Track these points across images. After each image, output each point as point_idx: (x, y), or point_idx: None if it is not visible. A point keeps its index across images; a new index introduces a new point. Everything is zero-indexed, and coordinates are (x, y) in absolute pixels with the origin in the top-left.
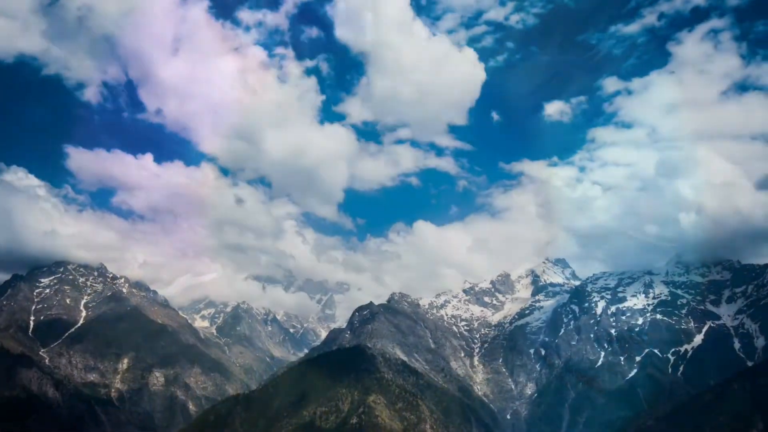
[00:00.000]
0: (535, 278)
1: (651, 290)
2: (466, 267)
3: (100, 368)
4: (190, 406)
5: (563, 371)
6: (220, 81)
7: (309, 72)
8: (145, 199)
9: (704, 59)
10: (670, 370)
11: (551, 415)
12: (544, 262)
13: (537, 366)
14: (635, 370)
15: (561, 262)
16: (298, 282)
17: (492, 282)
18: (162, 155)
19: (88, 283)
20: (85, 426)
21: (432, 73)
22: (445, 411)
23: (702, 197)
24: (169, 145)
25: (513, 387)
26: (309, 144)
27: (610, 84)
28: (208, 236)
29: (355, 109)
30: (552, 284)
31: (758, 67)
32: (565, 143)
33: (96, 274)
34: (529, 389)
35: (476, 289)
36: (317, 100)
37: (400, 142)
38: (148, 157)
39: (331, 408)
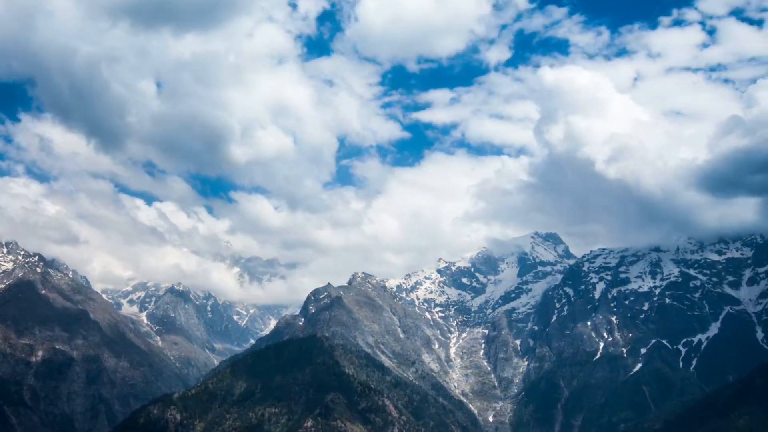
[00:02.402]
0: (521, 256)
1: (659, 270)
2: None
3: (9, 362)
4: (116, 407)
5: (555, 365)
6: None
7: None
8: None
9: None
10: (681, 363)
11: (541, 416)
12: (532, 237)
13: (524, 359)
14: (640, 364)
15: (552, 237)
16: (242, 261)
17: (471, 260)
18: None
19: None
20: None
21: None
22: (416, 412)
23: None
24: None
25: (496, 384)
26: None
27: None
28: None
29: None
30: (542, 263)
31: None
32: None
33: (5, 251)
34: (516, 386)
35: (453, 268)
36: None
37: None
38: None
39: (281, 409)
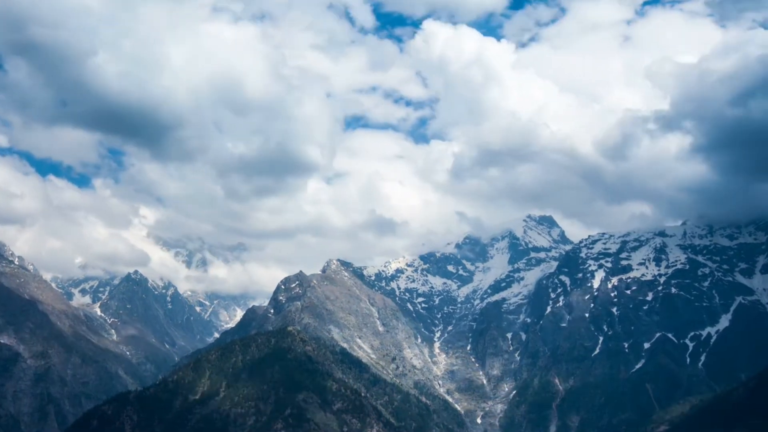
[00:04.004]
0: (513, 241)
1: (664, 256)
2: None
3: None
4: (66, 407)
5: (550, 362)
6: None
7: None
8: None
9: None
10: (688, 359)
11: (535, 417)
12: (525, 220)
13: (516, 355)
14: (643, 361)
15: (547, 220)
16: (204, 247)
17: (457, 246)
18: None
19: None
20: None
21: None
22: (396, 412)
23: None
24: None
25: (485, 382)
26: None
27: None
28: None
29: None
30: (535, 248)
31: None
32: None
33: None
34: (507, 385)
35: (437, 255)
36: None
37: None
38: None
39: (248, 409)
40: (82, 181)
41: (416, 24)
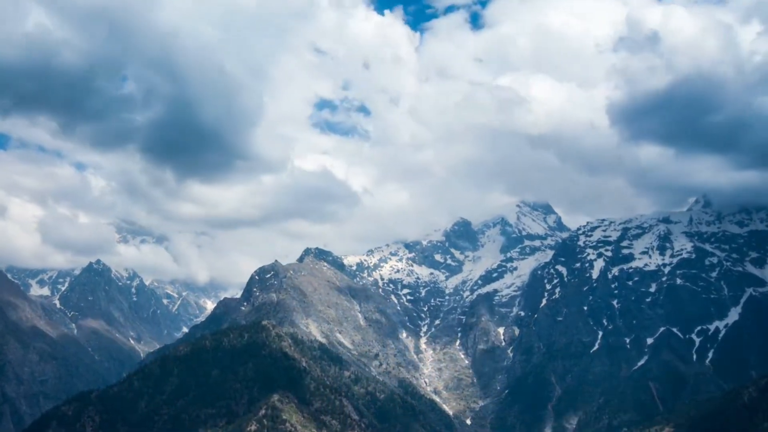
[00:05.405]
0: (505, 228)
1: (668, 245)
2: None
3: None
4: (23, 407)
5: (545, 358)
6: None
7: None
8: None
9: None
10: (694, 356)
11: (529, 418)
12: (518, 206)
13: (509, 351)
14: (646, 357)
15: (542, 207)
16: (172, 233)
17: (446, 233)
18: None
19: None
20: None
21: None
22: (379, 413)
23: None
24: None
25: (475, 380)
26: None
27: None
28: None
29: None
30: (530, 236)
31: None
32: None
33: None
34: (498, 383)
35: (424, 243)
36: None
37: None
38: None
39: (220, 410)
40: None
41: None
